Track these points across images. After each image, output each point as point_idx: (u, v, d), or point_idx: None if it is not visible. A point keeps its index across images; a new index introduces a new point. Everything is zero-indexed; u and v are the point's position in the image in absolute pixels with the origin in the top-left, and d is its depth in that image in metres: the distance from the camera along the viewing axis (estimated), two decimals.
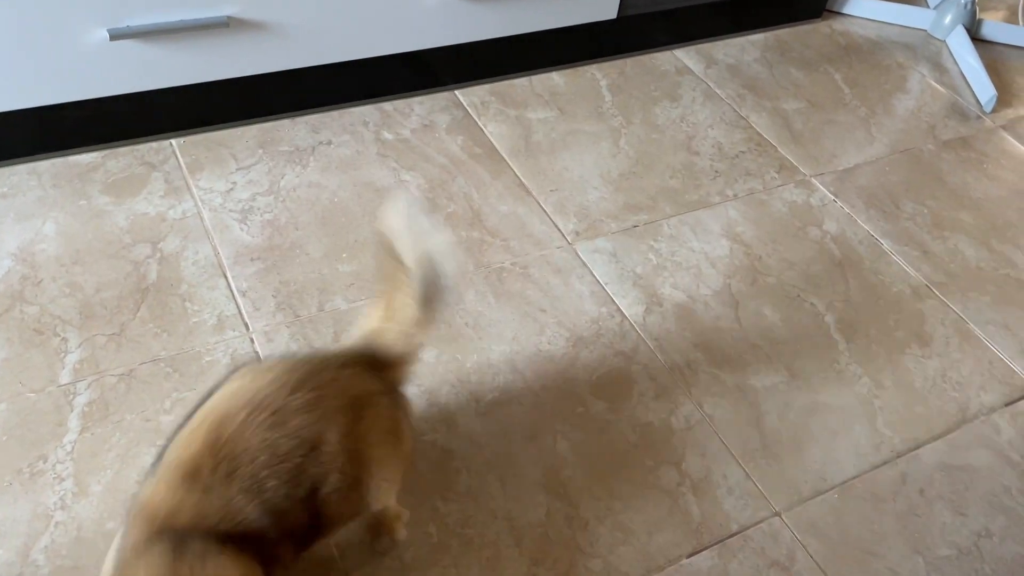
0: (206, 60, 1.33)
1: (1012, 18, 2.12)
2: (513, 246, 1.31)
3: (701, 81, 1.71)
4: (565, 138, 1.52)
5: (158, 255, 1.20)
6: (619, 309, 1.24)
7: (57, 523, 0.91)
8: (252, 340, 1.12)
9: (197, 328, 1.12)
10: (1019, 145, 1.69)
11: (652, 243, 1.35)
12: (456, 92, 1.59)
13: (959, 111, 1.76)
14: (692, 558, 0.98)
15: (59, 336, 1.08)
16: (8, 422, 0.99)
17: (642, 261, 1.32)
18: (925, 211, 1.50)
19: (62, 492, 0.93)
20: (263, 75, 1.41)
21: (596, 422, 1.10)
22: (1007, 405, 1.20)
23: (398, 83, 1.56)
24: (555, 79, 1.66)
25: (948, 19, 1.95)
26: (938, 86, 1.82)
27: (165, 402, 1.03)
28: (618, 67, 1.72)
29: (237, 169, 1.35)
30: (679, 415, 1.12)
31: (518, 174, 1.44)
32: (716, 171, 1.51)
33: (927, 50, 1.93)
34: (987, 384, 1.22)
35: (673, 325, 1.23)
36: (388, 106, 1.53)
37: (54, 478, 0.94)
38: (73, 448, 0.97)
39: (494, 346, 1.17)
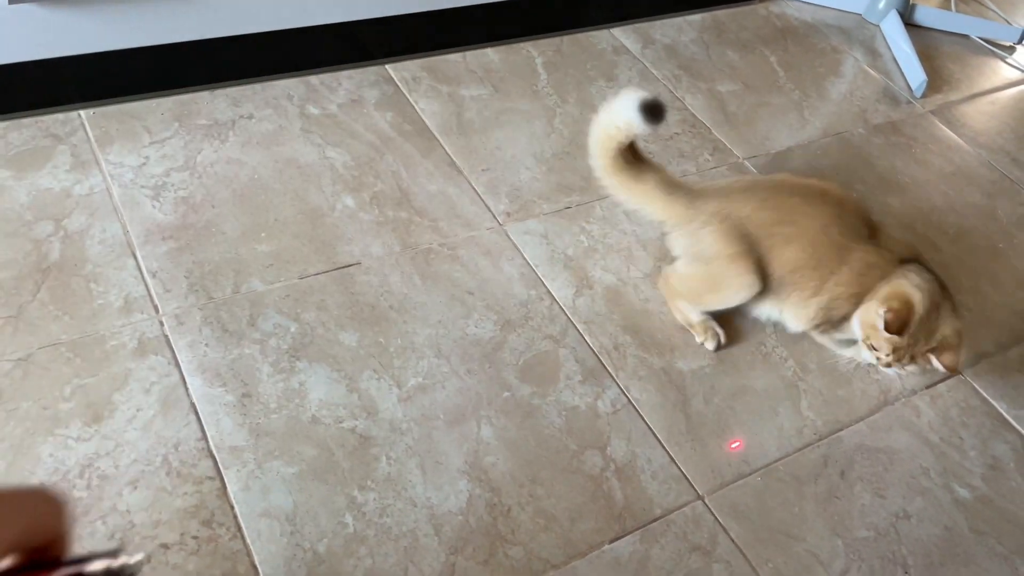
0: (117, 26, 1.26)
1: (945, 4, 2.15)
2: (442, 227, 1.28)
3: (638, 61, 1.69)
4: (498, 116, 1.49)
5: (61, 233, 1.13)
6: (549, 292, 1.22)
7: None
8: (161, 323, 1.06)
9: (102, 311, 1.06)
10: (947, 130, 1.71)
11: (584, 225, 1.33)
12: (387, 66, 1.54)
13: (890, 96, 1.78)
14: (614, 544, 0.97)
15: None
16: None
17: (573, 243, 1.30)
18: (854, 194, 1.51)
19: None
20: (180, 44, 1.34)
21: (522, 407, 1.08)
22: (928, 388, 1.22)
23: (325, 56, 1.50)
24: (490, 55, 1.62)
25: (882, 4, 1.97)
26: (871, 70, 1.84)
27: (65, 389, 0.97)
28: (554, 44, 1.69)
29: (151, 143, 1.29)
30: (605, 399, 1.11)
31: (449, 152, 1.40)
32: (650, 152, 1.49)
33: (861, 34, 1.94)
34: None
35: (603, 308, 1.22)
36: (314, 79, 1.47)
37: None
38: None
39: (419, 329, 1.13)
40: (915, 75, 1.80)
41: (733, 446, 1.08)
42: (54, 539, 0.37)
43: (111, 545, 0.35)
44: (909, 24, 1.97)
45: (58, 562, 0.36)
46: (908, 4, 1.98)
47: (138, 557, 0.38)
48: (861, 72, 1.83)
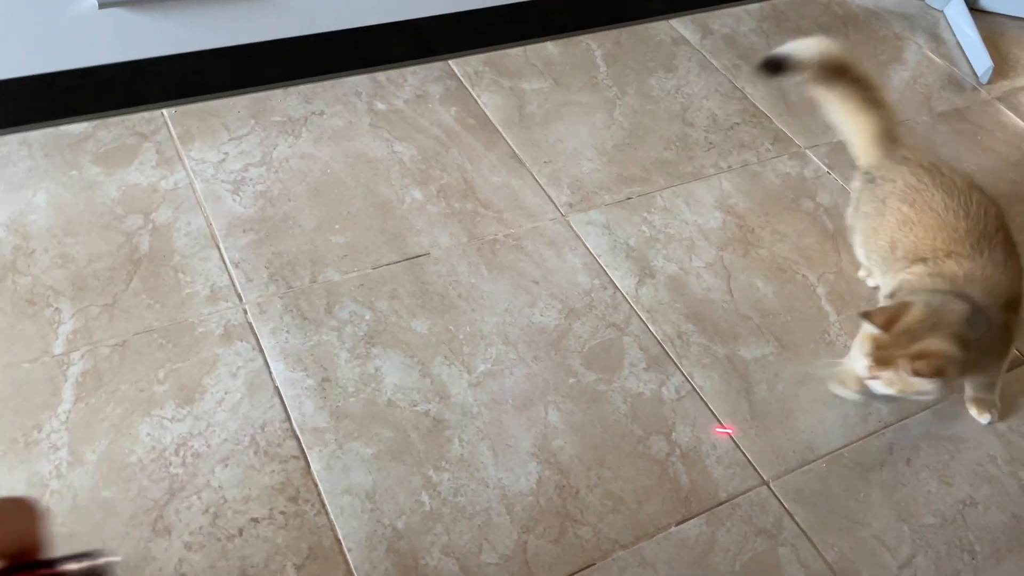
0: (197, 28, 1.32)
1: None
2: (506, 218, 1.31)
3: (696, 51, 1.70)
4: (559, 109, 1.52)
5: (150, 226, 1.20)
6: (612, 281, 1.25)
7: (53, 491, 0.92)
8: (245, 311, 1.12)
9: (190, 299, 1.12)
10: (1014, 116, 1.68)
11: (645, 215, 1.36)
12: (450, 62, 1.57)
13: (955, 82, 1.75)
14: (681, 526, 1.00)
15: (52, 307, 1.08)
16: (2, 392, 0.99)
17: (635, 233, 1.32)
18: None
19: (57, 461, 0.94)
20: (255, 44, 1.39)
21: (587, 393, 1.11)
22: None
23: (391, 52, 1.55)
24: (549, 49, 1.65)
25: None
26: (935, 57, 1.81)
27: (159, 372, 1.03)
28: (613, 37, 1.70)
29: (229, 139, 1.35)
30: (670, 386, 1.13)
31: (512, 145, 1.43)
32: (710, 143, 1.51)
33: (924, 20, 1.92)
34: None
35: (665, 297, 1.24)
36: (381, 76, 1.52)
37: (49, 447, 0.95)
38: (67, 418, 0.98)
39: (487, 317, 1.17)
40: (981, 61, 1.77)
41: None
42: (32, 544, 0.40)
43: (89, 547, 0.37)
44: (974, 9, 1.94)
45: (38, 564, 0.39)
46: None
47: (114, 558, 0.41)
48: (925, 59, 1.80)
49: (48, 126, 1.31)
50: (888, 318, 0.98)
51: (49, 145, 1.28)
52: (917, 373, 0.95)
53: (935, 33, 1.88)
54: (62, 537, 0.89)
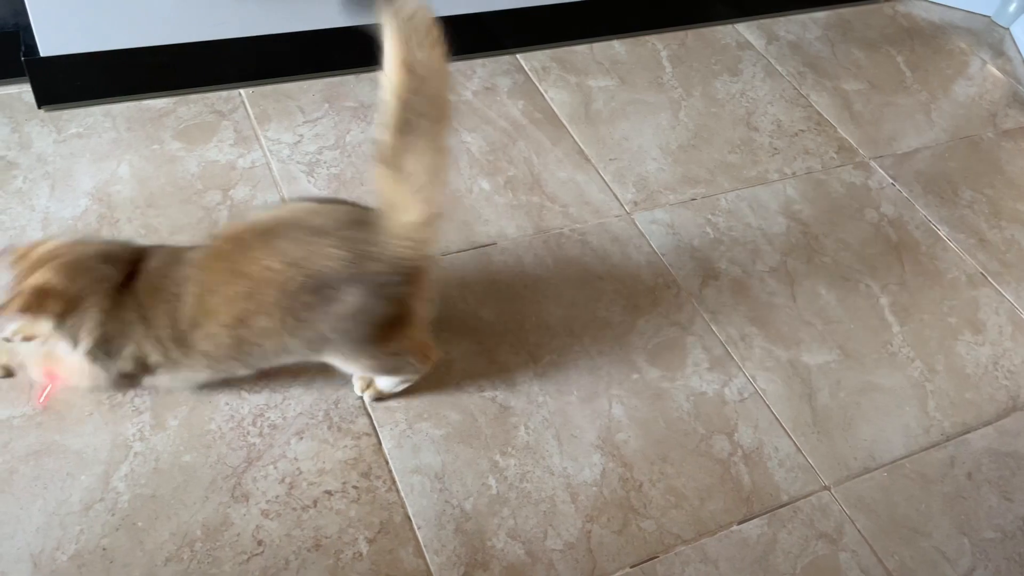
0: (274, 12, 1.34)
1: None
2: (572, 212, 1.32)
3: (762, 56, 1.70)
4: (625, 107, 1.53)
5: (229, 203, 1.22)
6: (675, 280, 1.26)
7: (136, 453, 0.95)
8: None
9: None
10: None
11: (710, 216, 1.36)
12: (518, 56, 1.59)
13: (1020, 100, 1.74)
14: (742, 525, 1.01)
15: None
16: None
17: (699, 234, 1.33)
18: (983, 199, 1.50)
19: (140, 424, 0.97)
20: (329, 29, 1.42)
21: (651, 389, 1.12)
22: None
23: (460, 45, 1.56)
24: (616, 47, 1.66)
25: (1013, 6, 1.92)
26: (1000, 74, 1.80)
27: None
28: (679, 38, 1.71)
29: (304, 122, 1.37)
30: (732, 387, 1.14)
31: (578, 141, 1.44)
32: (775, 148, 1.51)
33: (990, 37, 1.90)
34: None
35: (729, 299, 1.25)
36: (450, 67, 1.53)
37: (132, 411, 0.98)
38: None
39: (552, 309, 1.18)
40: None
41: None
42: None
43: None
44: None
45: None
46: None
47: None
48: (990, 75, 1.79)
49: (131, 100, 1.34)
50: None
51: (132, 118, 1.31)
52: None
53: (1001, 50, 1.87)
54: (145, 498, 0.91)
